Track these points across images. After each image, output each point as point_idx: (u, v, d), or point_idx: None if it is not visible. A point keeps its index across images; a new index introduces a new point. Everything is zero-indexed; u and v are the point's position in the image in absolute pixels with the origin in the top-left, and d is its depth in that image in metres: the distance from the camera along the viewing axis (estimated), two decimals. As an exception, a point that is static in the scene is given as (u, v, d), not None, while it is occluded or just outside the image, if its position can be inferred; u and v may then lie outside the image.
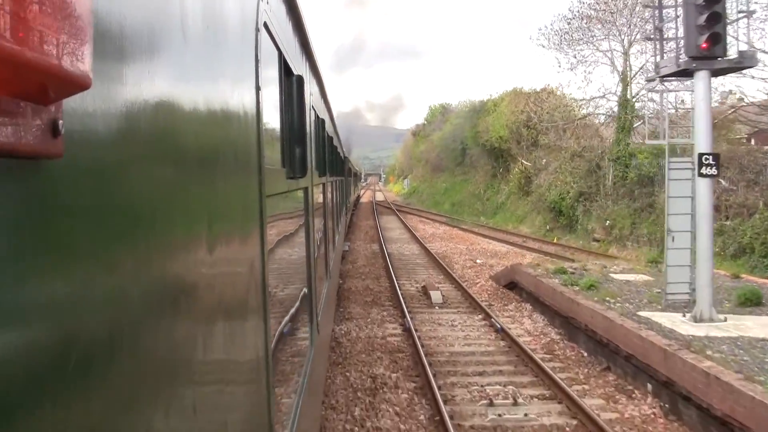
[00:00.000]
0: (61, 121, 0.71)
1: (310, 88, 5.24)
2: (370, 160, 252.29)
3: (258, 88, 2.30)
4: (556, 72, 31.01)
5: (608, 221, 26.86)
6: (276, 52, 3.14)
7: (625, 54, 29.33)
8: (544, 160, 38.70)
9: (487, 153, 49.72)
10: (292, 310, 3.71)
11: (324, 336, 6.39)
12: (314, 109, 5.74)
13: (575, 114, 33.34)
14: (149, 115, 1.11)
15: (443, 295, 16.75)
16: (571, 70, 31.06)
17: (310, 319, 4.71)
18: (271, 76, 2.97)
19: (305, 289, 4.50)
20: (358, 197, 75.86)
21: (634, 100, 28.47)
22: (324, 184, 8.00)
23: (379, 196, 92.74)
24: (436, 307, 15.90)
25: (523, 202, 38.62)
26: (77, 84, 0.68)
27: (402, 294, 16.98)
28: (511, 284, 16.93)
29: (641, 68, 28.72)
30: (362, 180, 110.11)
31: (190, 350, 1.37)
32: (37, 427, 0.72)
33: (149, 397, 1.09)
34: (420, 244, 29.50)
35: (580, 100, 30.87)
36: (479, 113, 48.41)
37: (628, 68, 29.18)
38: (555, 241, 30.43)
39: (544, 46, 32.28)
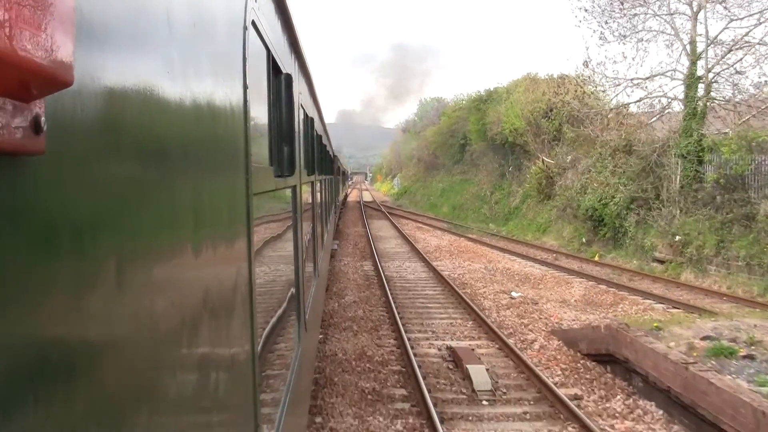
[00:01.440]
0: (43, 118, 0.71)
1: (299, 87, 5.23)
2: (356, 159, 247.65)
3: (246, 87, 2.29)
4: (599, 45, 23.79)
5: (678, 237, 20.09)
6: (264, 51, 3.12)
7: (694, 19, 22.62)
8: (570, 157, 32.05)
9: (494, 149, 43.04)
10: (280, 309, 3.67)
11: (311, 334, 6.26)
12: (303, 108, 5.73)
13: (613, 101, 26.58)
14: (134, 113, 1.11)
15: (490, 374, 9.94)
16: (621, 42, 24.15)
17: (297, 317, 4.65)
18: (259, 74, 2.94)
19: (293, 288, 4.44)
20: (346, 196, 69.51)
21: (711, 79, 21.71)
22: (313, 183, 7.84)
23: (367, 197, 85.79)
24: (484, 402, 9.10)
25: (545, 208, 31.91)
26: (60, 81, 0.68)
27: (419, 367, 10.18)
28: (606, 356, 10.07)
29: (715, 38, 22.15)
30: (348, 179, 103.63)
31: (176, 348, 1.34)
32: (24, 425, 0.72)
33: (133, 396, 1.07)
34: (425, 262, 22.71)
35: (630, 80, 24.00)
36: (486, 103, 41.62)
37: (696, 38, 22.45)
38: (597, 259, 23.75)
39: (587, 10, 25.39)
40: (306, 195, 6.36)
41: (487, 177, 45.66)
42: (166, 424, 1.26)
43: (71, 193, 0.86)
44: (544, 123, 33.49)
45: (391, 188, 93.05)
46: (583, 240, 26.33)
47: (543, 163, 32.59)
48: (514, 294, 16.96)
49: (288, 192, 4.33)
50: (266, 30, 2.99)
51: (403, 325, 13.14)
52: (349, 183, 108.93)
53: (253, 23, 2.56)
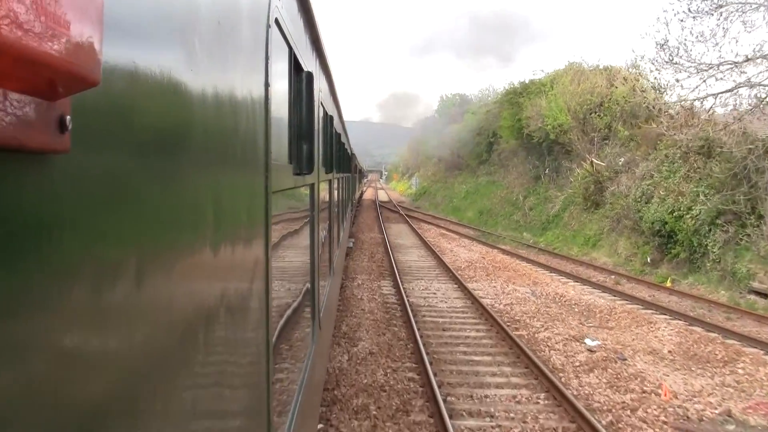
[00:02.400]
0: (68, 117, 0.71)
1: (320, 85, 5.23)
2: (372, 157, 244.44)
3: (267, 85, 2.29)
4: (680, 20, 19.33)
5: (789, 264, 15.49)
6: (286, 49, 3.14)
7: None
8: (622, 159, 27.45)
9: (527, 148, 38.47)
10: (295, 306, 3.69)
11: (325, 332, 6.32)
12: (323, 106, 5.76)
13: (693, 92, 21.96)
14: (157, 111, 1.12)
15: None
16: (714, 14, 19.42)
17: (312, 314, 4.66)
18: (280, 72, 2.96)
19: (308, 285, 4.47)
20: (361, 194, 65.33)
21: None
22: (330, 181, 7.88)
23: (382, 196, 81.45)
24: None
25: (593, 218, 27.32)
26: (87, 80, 0.69)
27: None
28: None
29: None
30: (364, 177, 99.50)
31: (192, 342, 1.35)
32: (42, 415, 0.72)
33: (148, 388, 1.09)
34: (458, 284, 18.31)
35: (718, 65, 19.33)
36: (523, 96, 37.02)
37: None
38: (670, 285, 19.14)
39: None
40: (323, 193, 6.39)
41: (517, 179, 41.09)
42: (182, 414, 1.27)
43: (95, 192, 0.87)
44: (595, 119, 28.86)
45: (408, 188, 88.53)
46: (648, 259, 21.73)
47: (592, 166, 27.95)
48: (589, 342, 12.45)
49: (306, 190, 4.31)
50: (289, 28, 3.02)
51: (444, 399, 8.73)
52: (364, 181, 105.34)
53: (277, 21, 2.59)
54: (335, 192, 9.80)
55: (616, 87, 29.07)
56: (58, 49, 0.61)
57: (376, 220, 41.93)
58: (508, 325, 13.28)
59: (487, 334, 12.87)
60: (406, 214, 46.75)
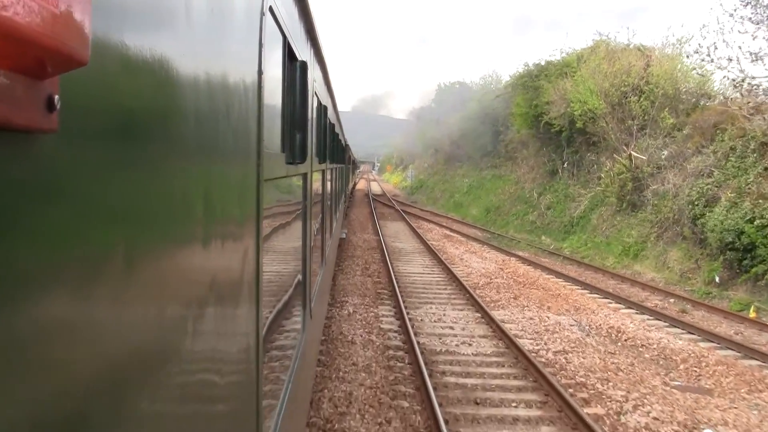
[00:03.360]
0: (56, 96, 0.71)
1: (314, 75, 5.20)
2: (363, 148, 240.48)
3: (260, 73, 2.28)
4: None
5: None
6: (280, 37, 3.11)
7: None
8: (665, 152, 22.95)
9: (542, 139, 33.93)
10: (286, 295, 3.70)
11: (316, 321, 6.31)
12: (317, 96, 5.75)
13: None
14: (148, 94, 1.11)
15: None
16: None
17: (303, 304, 4.65)
18: (274, 60, 2.94)
19: (299, 275, 4.48)
20: (354, 185, 61.23)
21: None
22: (324, 171, 7.80)
23: (375, 189, 76.80)
24: None
25: (631, 222, 22.84)
26: (75, 60, 0.69)
27: None
28: None
29: None
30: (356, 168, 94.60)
31: (181, 332, 1.34)
32: (25, 398, 0.72)
33: (136, 378, 1.08)
34: (480, 311, 13.84)
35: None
36: (540, 79, 32.39)
37: None
38: (753, 315, 14.70)
39: None
40: (317, 183, 6.34)
41: (529, 174, 36.58)
42: (170, 403, 1.26)
43: (83, 172, 0.86)
44: (632, 104, 24.30)
45: (402, 180, 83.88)
46: (715, 278, 17.23)
47: (630, 160, 23.39)
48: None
49: (299, 179, 4.31)
50: (283, 16, 3.00)
51: None
52: (357, 172, 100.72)
53: (271, 9, 2.56)
54: (329, 182, 9.66)
55: (650, 66, 24.51)
56: (47, 28, 0.61)
57: (370, 216, 37.29)
58: (573, 395, 8.77)
59: (547, 413, 8.33)
60: (403, 210, 42.16)
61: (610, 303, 16.06)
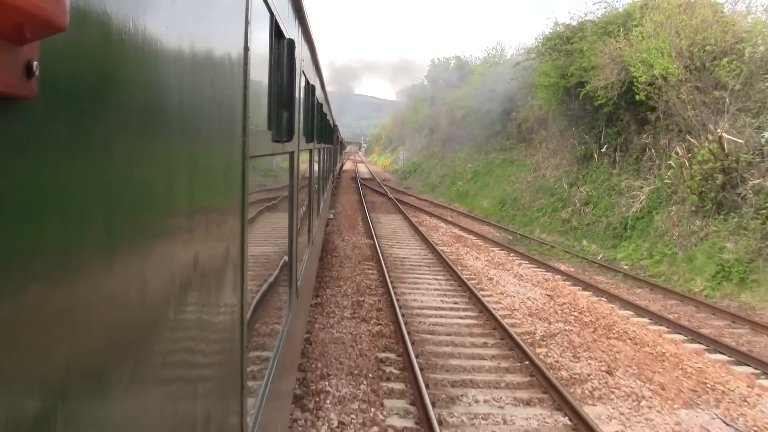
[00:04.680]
0: (35, 62, 0.70)
1: (302, 53, 5.18)
2: (350, 129, 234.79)
3: (246, 49, 2.25)
4: None
5: None
6: (267, 14, 3.08)
7: None
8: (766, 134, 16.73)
9: (572, 116, 27.58)
10: (272, 275, 3.67)
11: (302, 300, 6.28)
12: (305, 74, 5.73)
13: None
14: (130, 65, 1.09)
15: None
16: None
17: (289, 284, 4.64)
18: (260, 37, 2.91)
19: (286, 255, 4.42)
20: (342, 166, 56.00)
21: None
22: (311, 150, 7.74)
23: (363, 171, 70.20)
24: None
25: (721, 229, 16.55)
26: (53, 25, 0.68)
27: None
28: None
29: None
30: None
31: (163, 312, 1.32)
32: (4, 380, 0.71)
33: (118, 358, 1.05)
34: (561, 404, 7.47)
35: None
36: (574, 42, 25.85)
37: None
38: None
39: None
40: (304, 162, 6.36)
41: (551, 159, 30.31)
42: (152, 383, 1.25)
43: (62, 140, 0.84)
44: (719, 70, 17.93)
45: (392, 163, 77.19)
46: None
47: (720, 144, 17.05)
48: None
49: (285, 158, 4.31)
50: None
51: None
52: (344, 152, 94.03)
53: None
54: (316, 162, 9.55)
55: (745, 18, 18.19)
56: None
57: (360, 207, 30.82)
58: None
59: None
60: (397, 199, 35.75)
61: (757, 374, 9.84)
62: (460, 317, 12.15)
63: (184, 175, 1.47)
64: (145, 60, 1.15)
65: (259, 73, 2.91)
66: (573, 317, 12.61)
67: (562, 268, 18.38)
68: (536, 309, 13.05)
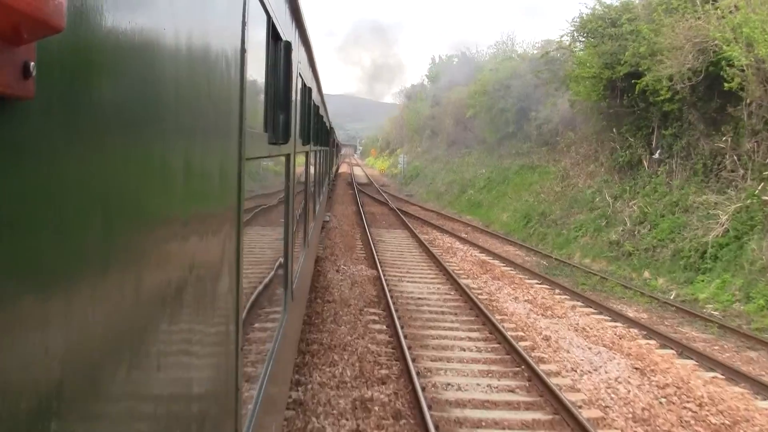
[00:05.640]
0: (32, 63, 0.71)
1: (299, 56, 5.20)
2: (345, 131, 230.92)
3: (243, 51, 2.25)
4: None
5: None
6: (264, 16, 3.07)
7: None
8: None
9: (610, 116, 22.99)
10: (267, 276, 3.70)
11: (298, 302, 6.25)
12: (301, 77, 5.74)
13: None
14: (127, 67, 1.09)
15: None
16: None
17: (285, 285, 4.62)
18: (257, 39, 2.92)
19: (281, 256, 4.44)
20: (337, 168, 52.15)
21: None
22: (308, 153, 7.70)
23: (359, 176, 65.53)
24: None
25: None
26: (50, 26, 0.68)
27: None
28: None
29: None
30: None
31: (159, 312, 1.31)
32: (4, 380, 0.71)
33: (113, 359, 1.05)
34: None
35: None
36: (620, 24, 21.20)
37: None
38: None
39: None
40: (300, 164, 6.35)
41: (583, 165, 25.77)
42: (146, 385, 1.24)
43: (59, 140, 0.85)
44: None
45: (390, 167, 72.37)
46: None
47: None
48: None
49: (281, 160, 4.30)
50: None
51: None
52: (340, 154, 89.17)
53: None
54: (312, 164, 9.56)
55: None
56: None
57: (358, 220, 26.10)
58: None
59: None
60: (399, 209, 31.06)
61: None
62: (527, 426, 7.48)
63: (180, 176, 1.46)
64: (141, 61, 1.15)
65: (256, 75, 2.91)
66: (699, 420, 7.95)
67: (630, 313, 13.76)
68: (635, 404, 8.38)
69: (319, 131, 11.02)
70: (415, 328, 11.24)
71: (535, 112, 32.76)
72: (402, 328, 10.88)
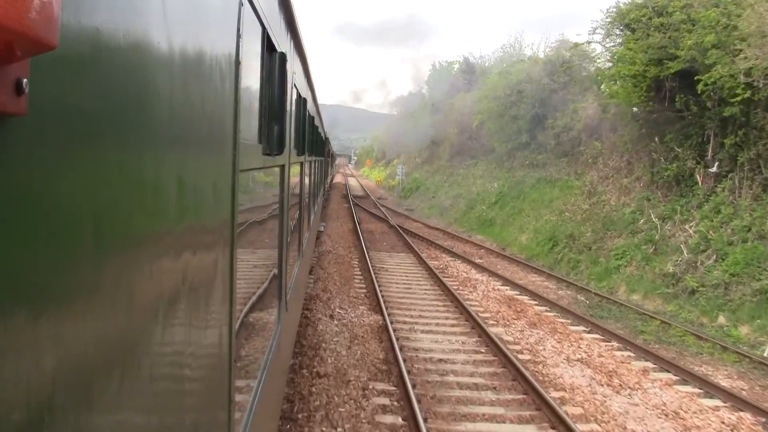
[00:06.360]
0: (25, 80, 0.71)
1: (293, 67, 5.18)
2: (339, 141, 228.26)
3: (238, 63, 2.25)
4: None
5: None
6: (259, 28, 3.06)
7: None
8: None
9: (650, 123, 19.64)
10: (261, 288, 3.66)
11: (292, 313, 6.24)
12: (296, 88, 5.75)
13: None
14: (120, 81, 1.08)
15: None
16: None
17: (279, 297, 4.60)
18: (252, 51, 2.91)
19: (275, 267, 4.42)
20: (332, 178, 50.52)
21: None
22: (302, 163, 7.65)
23: (354, 187, 62.08)
24: None
25: None
26: (43, 44, 0.69)
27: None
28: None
29: None
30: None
31: (151, 325, 1.29)
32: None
33: (105, 372, 1.04)
34: None
35: None
36: (670, 13, 17.80)
37: None
38: None
39: None
40: (294, 175, 6.31)
41: (615, 179, 22.33)
42: (140, 397, 1.22)
43: (51, 157, 0.84)
44: None
45: (387, 178, 68.79)
46: None
47: None
48: None
49: (276, 171, 4.28)
50: (262, 6, 2.94)
51: None
52: (334, 165, 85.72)
53: None
54: (307, 175, 9.46)
55: None
56: (14, 11, 0.61)
57: (355, 241, 22.54)
58: None
59: None
60: (400, 226, 27.55)
61: None
62: None
63: (174, 188, 1.45)
64: (134, 75, 1.15)
65: (250, 87, 2.88)
66: None
67: (722, 379, 10.32)
68: None
69: (314, 141, 10.93)
70: (442, 419, 7.71)
71: (553, 120, 29.37)
72: (425, 420, 7.37)
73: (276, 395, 4.89)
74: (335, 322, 11.49)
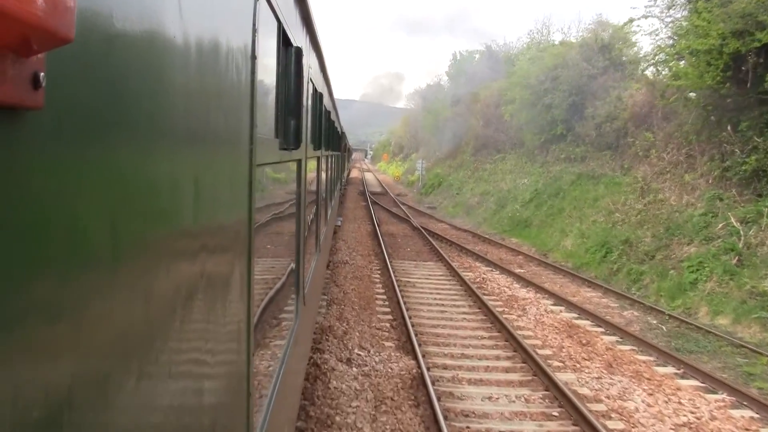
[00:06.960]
0: (42, 74, 0.71)
1: (309, 61, 5.12)
2: (355, 136, 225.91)
3: (254, 58, 2.23)
4: None
5: None
6: (275, 23, 3.04)
7: None
8: None
9: (721, 109, 16.58)
10: (279, 281, 3.65)
11: (310, 307, 6.10)
12: (312, 82, 5.68)
13: None
14: (137, 75, 1.07)
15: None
16: None
17: (296, 290, 4.56)
18: (268, 46, 2.88)
19: (293, 261, 4.36)
20: (348, 173, 51.85)
21: None
22: (319, 158, 7.53)
23: (371, 182, 59.31)
24: None
25: None
26: (60, 37, 0.68)
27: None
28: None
29: None
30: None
31: (170, 319, 1.28)
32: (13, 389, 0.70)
33: (125, 366, 1.04)
34: None
35: None
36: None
37: None
38: None
39: None
40: (311, 170, 6.25)
41: (673, 175, 19.30)
42: (157, 390, 1.22)
43: (68, 151, 0.84)
44: None
45: (405, 173, 65.77)
46: None
47: None
48: None
49: (293, 165, 4.27)
50: (278, 2, 2.94)
51: None
52: (351, 159, 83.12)
53: None
54: (324, 170, 9.40)
55: None
56: (31, 5, 0.60)
57: (375, 248, 19.71)
58: None
59: None
60: (424, 228, 24.74)
61: None
62: None
63: (191, 182, 1.44)
64: (151, 70, 1.14)
65: (267, 81, 2.88)
66: None
67: None
68: None
69: (330, 136, 10.79)
70: None
71: (593, 108, 26.30)
72: None
73: (294, 389, 4.80)
74: (354, 370, 8.67)
